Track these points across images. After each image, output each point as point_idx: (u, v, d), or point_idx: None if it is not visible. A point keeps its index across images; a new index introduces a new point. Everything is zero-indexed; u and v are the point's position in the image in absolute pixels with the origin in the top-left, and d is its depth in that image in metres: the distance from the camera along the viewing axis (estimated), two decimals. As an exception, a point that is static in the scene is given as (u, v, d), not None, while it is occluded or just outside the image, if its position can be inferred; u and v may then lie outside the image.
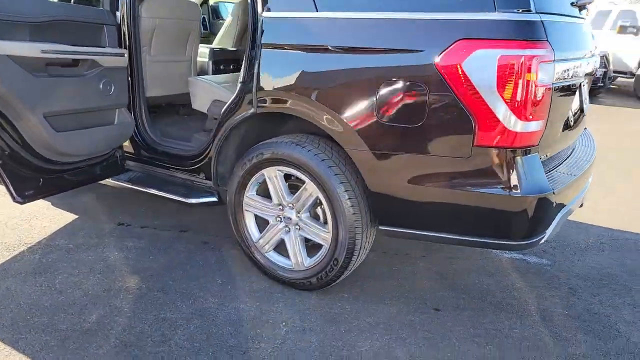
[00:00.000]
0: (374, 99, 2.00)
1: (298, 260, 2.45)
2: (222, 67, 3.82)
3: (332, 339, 2.15)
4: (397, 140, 1.98)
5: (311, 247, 2.49)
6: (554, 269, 2.83)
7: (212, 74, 3.74)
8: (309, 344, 2.11)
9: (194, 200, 2.73)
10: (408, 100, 1.93)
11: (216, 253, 2.91)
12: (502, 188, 1.86)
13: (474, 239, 1.98)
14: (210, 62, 3.76)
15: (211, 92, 3.00)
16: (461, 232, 2.00)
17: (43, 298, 2.37)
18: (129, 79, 2.83)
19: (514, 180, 1.85)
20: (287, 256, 2.54)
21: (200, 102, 3.07)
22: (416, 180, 1.99)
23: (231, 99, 2.49)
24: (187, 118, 3.70)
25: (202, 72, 3.82)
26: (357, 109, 2.05)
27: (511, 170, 1.85)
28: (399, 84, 1.94)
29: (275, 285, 2.56)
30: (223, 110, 2.54)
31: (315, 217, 2.44)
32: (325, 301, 2.42)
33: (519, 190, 1.84)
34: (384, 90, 1.97)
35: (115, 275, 2.62)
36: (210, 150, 2.65)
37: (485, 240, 1.97)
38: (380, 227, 2.17)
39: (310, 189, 2.30)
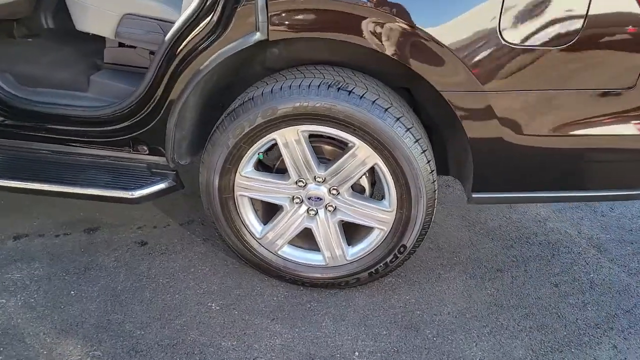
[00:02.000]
0: (499, 6, 1.24)
1: (335, 253, 1.70)
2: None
3: (431, 356, 1.56)
4: (533, 71, 1.30)
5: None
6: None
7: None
8: (412, 375, 1.50)
9: (141, 192, 1.66)
10: (557, 5, 1.24)
11: (172, 257, 1.94)
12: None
13: (606, 193, 1.52)
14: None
15: None
16: (592, 187, 1.51)
17: None
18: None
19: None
20: (310, 248, 1.76)
21: (93, 19, 1.80)
22: (553, 127, 1.38)
23: (190, 16, 1.41)
24: (35, 43, 2.26)
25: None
26: (466, 24, 1.27)
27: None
28: (543, -20, 1.22)
29: (295, 291, 1.80)
30: (173, 34, 1.46)
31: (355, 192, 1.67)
32: (379, 299, 1.78)
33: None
34: (516, -8, 1.23)
35: (33, 347, 1.51)
36: (157, 106, 1.57)
37: (620, 193, 1.52)
38: (473, 195, 1.54)
39: (363, 155, 1.50)
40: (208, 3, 1.38)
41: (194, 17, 1.41)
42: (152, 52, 1.77)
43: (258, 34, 1.35)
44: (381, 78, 1.56)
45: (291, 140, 1.52)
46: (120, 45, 1.83)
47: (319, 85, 1.43)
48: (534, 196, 1.53)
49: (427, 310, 1.74)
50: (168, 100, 1.53)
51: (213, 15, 1.38)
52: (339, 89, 1.42)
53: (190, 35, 1.43)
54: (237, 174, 1.61)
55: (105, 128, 1.66)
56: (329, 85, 1.42)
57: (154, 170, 1.71)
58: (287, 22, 1.35)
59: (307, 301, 1.76)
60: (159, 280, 1.83)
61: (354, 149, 1.50)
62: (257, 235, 1.73)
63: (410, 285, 1.85)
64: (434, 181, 1.53)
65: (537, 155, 1.42)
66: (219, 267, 1.91)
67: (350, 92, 1.42)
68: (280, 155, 1.63)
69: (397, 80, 1.60)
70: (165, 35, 1.55)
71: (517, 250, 2.08)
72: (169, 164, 1.68)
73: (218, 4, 1.36)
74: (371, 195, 1.69)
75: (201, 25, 1.40)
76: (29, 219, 2.10)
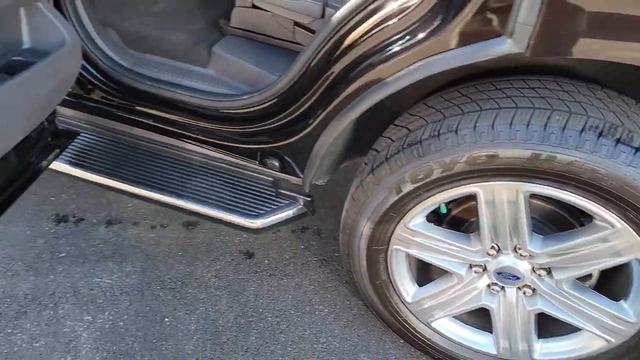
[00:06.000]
0: None
1: (516, 346, 1.19)
2: None
3: None
4: None
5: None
6: None
7: None
8: None
9: (264, 221, 1.24)
10: None
11: (283, 284, 1.55)
12: None
13: None
14: None
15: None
16: None
17: None
18: None
19: None
20: (476, 325, 1.27)
21: None
22: None
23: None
24: None
25: None
26: None
27: None
28: None
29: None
30: (346, 15, 0.94)
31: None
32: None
33: None
34: None
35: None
36: (308, 114, 1.09)
37: None
38: None
39: (623, 243, 0.93)
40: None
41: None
42: (299, 25, 1.26)
43: (508, 42, 0.78)
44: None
45: (502, 200, 0.98)
46: (255, 6, 1.33)
47: (581, 130, 0.85)
48: None
49: None
50: (327, 110, 1.03)
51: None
52: (618, 140, 0.83)
53: (377, 23, 0.89)
54: (401, 224, 1.11)
55: (225, 127, 1.22)
56: (600, 133, 0.84)
57: (281, 191, 1.26)
58: (574, 36, 0.75)
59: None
60: (267, 318, 1.45)
61: (608, 231, 0.93)
62: (407, 299, 1.25)
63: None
64: None
65: None
66: (340, 311, 1.48)
67: (637, 149, 0.83)
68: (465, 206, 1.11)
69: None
70: (324, 7, 1.04)
71: None
72: (304, 188, 1.21)
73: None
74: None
75: (399, 10, 0.85)
76: (122, 200, 1.77)
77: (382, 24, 0.91)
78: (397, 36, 0.89)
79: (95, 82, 1.29)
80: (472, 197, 1.02)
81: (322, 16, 1.15)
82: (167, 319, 1.42)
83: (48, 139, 1.30)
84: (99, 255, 1.58)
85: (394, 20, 0.89)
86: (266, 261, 1.63)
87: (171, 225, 1.71)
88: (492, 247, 1.08)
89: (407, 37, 0.87)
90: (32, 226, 1.65)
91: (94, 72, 1.29)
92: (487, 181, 0.96)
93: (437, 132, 0.96)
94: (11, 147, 1.05)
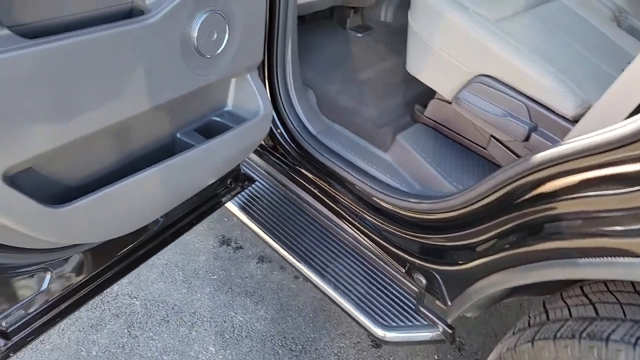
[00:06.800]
0: None
1: None
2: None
3: None
4: None
5: None
6: None
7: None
8: None
9: (394, 335, 1.12)
10: None
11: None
12: None
13: None
14: None
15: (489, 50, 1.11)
16: None
17: None
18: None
19: None
20: None
21: (433, 67, 1.21)
22: None
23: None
24: (363, 43, 1.83)
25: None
26: None
27: None
28: None
29: None
30: (561, 156, 0.76)
31: None
32: None
33: None
34: None
35: None
36: (474, 250, 0.94)
37: None
38: None
39: None
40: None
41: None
42: (496, 138, 1.12)
43: None
44: None
45: None
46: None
47: None
48: None
49: None
50: (501, 255, 0.87)
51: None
52: None
53: (596, 181, 0.70)
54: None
55: (382, 222, 1.14)
56: None
57: (422, 309, 1.12)
58: None
59: None
60: None
61: None
62: None
63: None
64: None
65: None
66: None
67: None
68: None
69: None
70: (530, 132, 0.88)
71: None
72: (448, 317, 1.06)
73: None
74: None
75: (632, 175, 0.66)
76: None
77: (602, 186, 0.71)
78: (616, 213, 0.68)
79: (281, 140, 1.36)
80: None
81: (526, 139, 0.99)
82: (276, 382, 1.41)
83: (229, 180, 1.41)
84: (242, 288, 1.66)
85: (622, 189, 0.69)
86: (392, 358, 1.50)
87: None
88: None
89: (627, 220, 0.66)
90: (201, 240, 1.83)
91: (282, 131, 1.35)
92: None
93: (635, 340, 0.72)
94: (203, 188, 1.16)
